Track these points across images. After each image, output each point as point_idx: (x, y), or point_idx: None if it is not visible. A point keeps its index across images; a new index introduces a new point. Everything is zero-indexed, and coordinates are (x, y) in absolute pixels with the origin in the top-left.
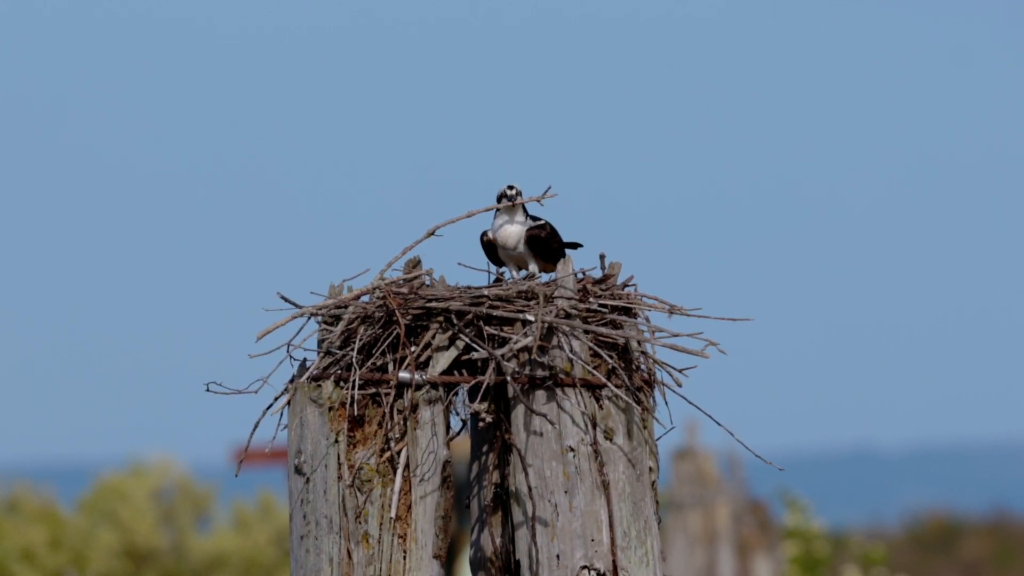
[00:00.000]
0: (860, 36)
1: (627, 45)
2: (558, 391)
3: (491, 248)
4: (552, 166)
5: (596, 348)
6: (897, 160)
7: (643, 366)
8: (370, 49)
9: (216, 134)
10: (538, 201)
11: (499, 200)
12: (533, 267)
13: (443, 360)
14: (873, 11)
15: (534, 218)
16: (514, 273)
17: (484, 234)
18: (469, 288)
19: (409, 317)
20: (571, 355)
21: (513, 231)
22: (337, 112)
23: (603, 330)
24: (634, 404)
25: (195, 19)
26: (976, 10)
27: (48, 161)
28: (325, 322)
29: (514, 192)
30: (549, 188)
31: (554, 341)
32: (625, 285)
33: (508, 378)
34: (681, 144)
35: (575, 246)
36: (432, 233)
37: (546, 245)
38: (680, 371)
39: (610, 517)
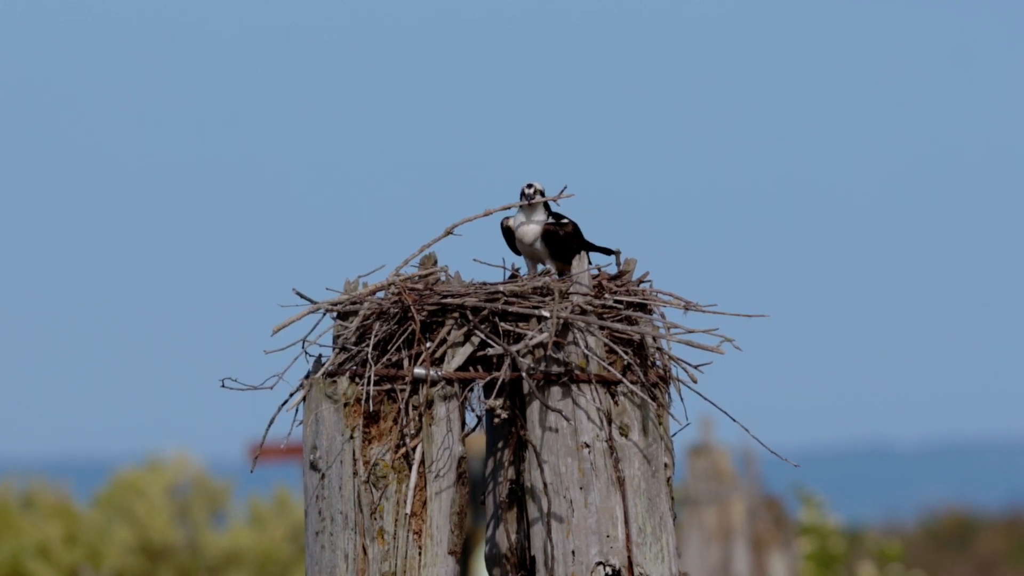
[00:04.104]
0: (885, 30)
1: (643, 42)
2: (573, 387)
3: (510, 235)
4: (568, 162)
5: (611, 344)
6: (914, 155)
7: (658, 362)
8: (391, 46)
9: (234, 131)
10: (555, 201)
11: (520, 198)
12: (549, 263)
13: (458, 356)
14: (893, 7)
15: (557, 216)
16: (530, 268)
17: (506, 219)
18: (484, 284)
19: (424, 313)
20: (586, 351)
21: (532, 228)
22: (353, 108)
23: (618, 326)
24: (649, 400)
25: (215, 14)
26: (977, 9)
27: (73, 161)
28: (340, 318)
29: (533, 191)
30: (565, 188)
31: (569, 337)
32: (640, 281)
33: (523, 374)
34: (696, 140)
35: (608, 252)
36: (450, 232)
37: (564, 244)
38: (695, 367)
39: (625, 513)
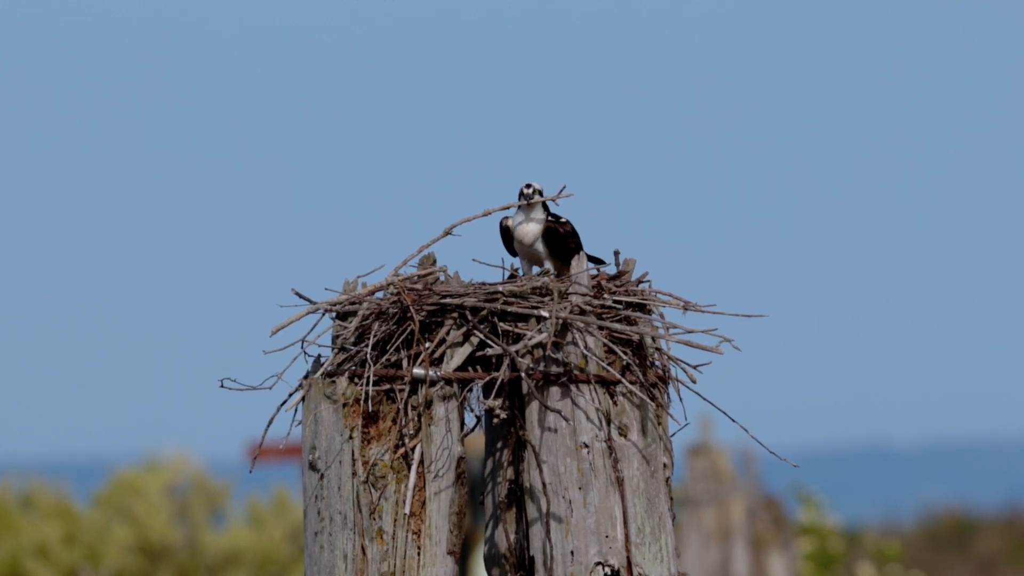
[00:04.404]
0: (885, 30)
1: (643, 42)
2: (572, 387)
3: (508, 235)
4: (567, 163)
5: (610, 344)
6: (914, 155)
7: (657, 362)
8: (391, 46)
9: (233, 131)
10: (553, 201)
11: (519, 198)
12: (547, 264)
13: (457, 356)
14: (893, 6)
15: (555, 216)
16: (525, 270)
17: (505, 219)
18: (483, 284)
19: (423, 313)
20: (585, 351)
21: (531, 228)
22: (353, 109)
23: (617, 326)
24: (648, 400)
25: (215, 14)
26: (977, 9)
27: (73, 161)
28: (339, 318)
29: (532, 191)
30: (564, 188)
31: (568, 337)
32: (639, 281)
33: (522, 374)
34: (695, 141)
35: (599, 262)
36: (448, 232)
37: (563, 242)
38: (694, 367)
39: (624, 513)
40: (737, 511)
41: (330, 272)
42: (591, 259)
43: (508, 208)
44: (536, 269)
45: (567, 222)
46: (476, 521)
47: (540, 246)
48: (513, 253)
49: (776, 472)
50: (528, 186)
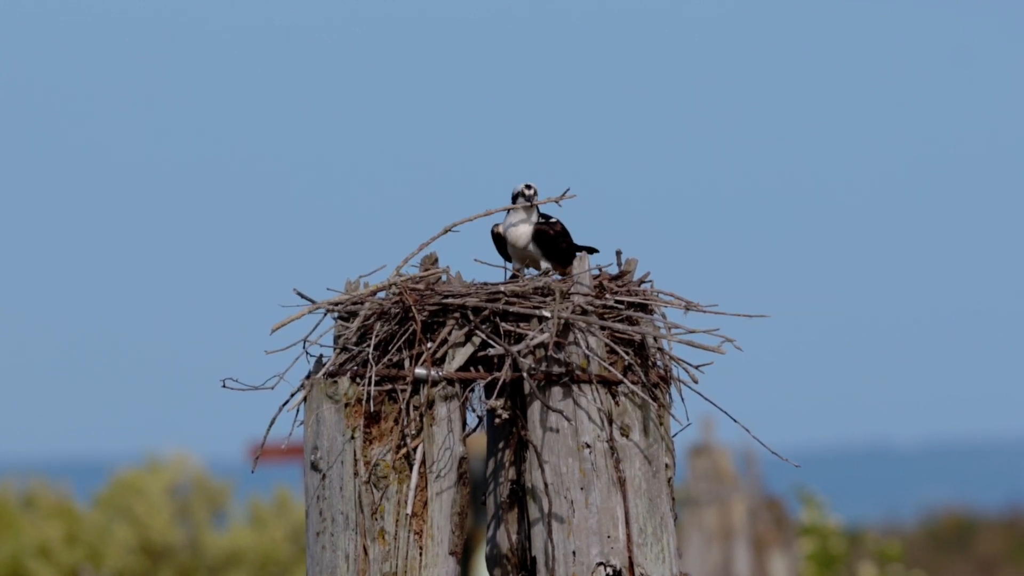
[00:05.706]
0: (885, 30)
1: (643, 42)
2: (574, 387)
3: (501, 241)
4: (567, 162)
5: (612, 344)
6: (914, 155)
7: (659, 362)
8: (391, 46)
9: (234, 131)
10: (556, 202)
11: (515, 200)
12: (545, 265)
13: (459, 356)
14: (893, 6)
15: (545, 216)
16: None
17: (496, 226)
18: (485, 284)
19: (425, 313)
20: (587, 351)
21: (524, 230)
22: (353, 108)
23: (619, 326)
24: (650, 400)
25: (216, 14)
26: (977, 9)
27: (73, 161)
28: (341, 318)
29: (532, 192)
30: (568, 190)
31: (570, 337)
32: (641, 281)
33: (524, 374)
34: (696, 140)
35: (592, 251)
36: (448, 230)
37: (554, 243)
38: (696, 367)
39: (626, 514)
40: (739, 511)
41: (332, 272)
42: (583, 249)
43: (511, 208)
44: (532, 271)
45: (557, 222)
46: (478, 521)
47: (533, 248)
48: (506, 258)
49: (778, 472)
50: (528, 187)
